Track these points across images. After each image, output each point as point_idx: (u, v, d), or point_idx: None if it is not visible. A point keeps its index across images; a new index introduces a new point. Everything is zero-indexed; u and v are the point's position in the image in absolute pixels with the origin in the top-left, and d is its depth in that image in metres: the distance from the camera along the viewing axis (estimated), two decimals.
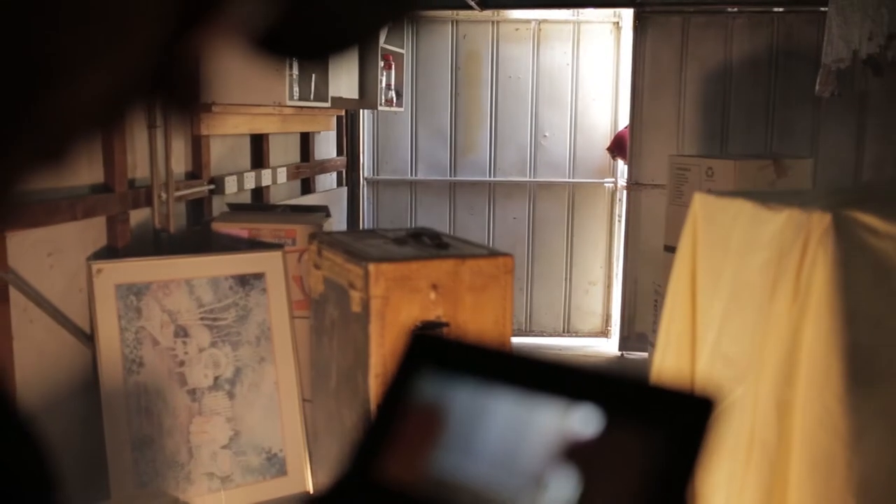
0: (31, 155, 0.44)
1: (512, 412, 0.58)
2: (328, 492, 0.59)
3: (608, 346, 6.03)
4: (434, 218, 5.89)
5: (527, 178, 6.11)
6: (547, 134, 6.08)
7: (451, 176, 6.11)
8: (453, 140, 6.09)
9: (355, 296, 2.46)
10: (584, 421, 0.55)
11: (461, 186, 6.13)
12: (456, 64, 6.03)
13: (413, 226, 5.68)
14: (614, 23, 5.96)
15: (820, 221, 1.89)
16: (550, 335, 6.18)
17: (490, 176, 6.12)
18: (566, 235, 6.16)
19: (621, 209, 6.04)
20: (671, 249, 3.53)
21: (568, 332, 6.24)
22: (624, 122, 5.86)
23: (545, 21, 5.96)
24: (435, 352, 0.64)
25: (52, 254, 2.95)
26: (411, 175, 6.13)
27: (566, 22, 5.99)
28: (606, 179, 6.15)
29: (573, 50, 6.02)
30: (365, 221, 6.09)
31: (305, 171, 5.10)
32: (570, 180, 6.13)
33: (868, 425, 1.84)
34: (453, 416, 0.59)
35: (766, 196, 2.28)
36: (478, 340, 0.62)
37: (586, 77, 6.04)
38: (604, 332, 6.22)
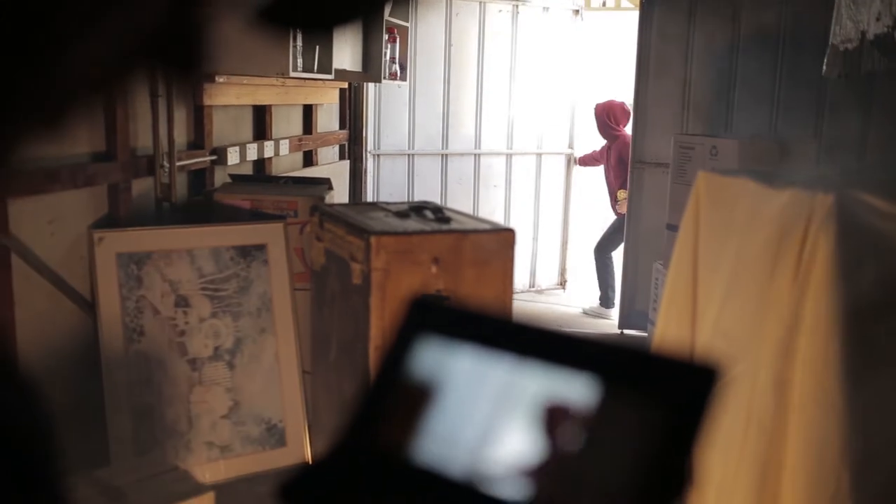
0: (31, 119, 0.44)
1: (511, 380, 0.57)
2: (326, 459, 0.59)
3: (567, 298, 6.89)
4: (428, 189, 6.25)
5: (505, 151, 6.72)
6: (521, 110, 6.70)
7: (443, 149, 6.52)
8: (446, 114, 6.48)
9: (356, 268, 2.46)
10: (584, 390, 0.55)
11: (452, 158, 6.56)
12: (449, 41, 6.41)
13: (411, 198, 5.83)
14: (574, 10, 6.78)
15: (823, 201, 1.89)
16: (518, 291, 6.49)
17: (476, 148, 6.62)
18: (534, 201, 6.89)
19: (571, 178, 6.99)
20: (674, 228, 3.52)
21: (533, 286, 6.94)
22: (583, 100, 6.77)
23: (522, 5, 6.59)
24: (435, 318, 0.63)
25: (53, 221, 2.95)
26: (409, 148, 6.40)
27: (535, 7, 6.67)
28: (566, 150, 6.92)
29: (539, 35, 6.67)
30: (367, 195, 6.11)
31: (308, 143, 5.08)
32: (538, 151, 6.84)
33: (865, 405, 1.85)
34: (451, 383, 0.59)
35: (769, 175, 2.27)
36: (478, 307, 0.62)
37: (551, 59, 6.73)
38: (561, 284, 7.09)
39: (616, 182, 6.14)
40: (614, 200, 6.18)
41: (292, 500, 0.60)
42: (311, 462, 0.62)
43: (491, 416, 0.57)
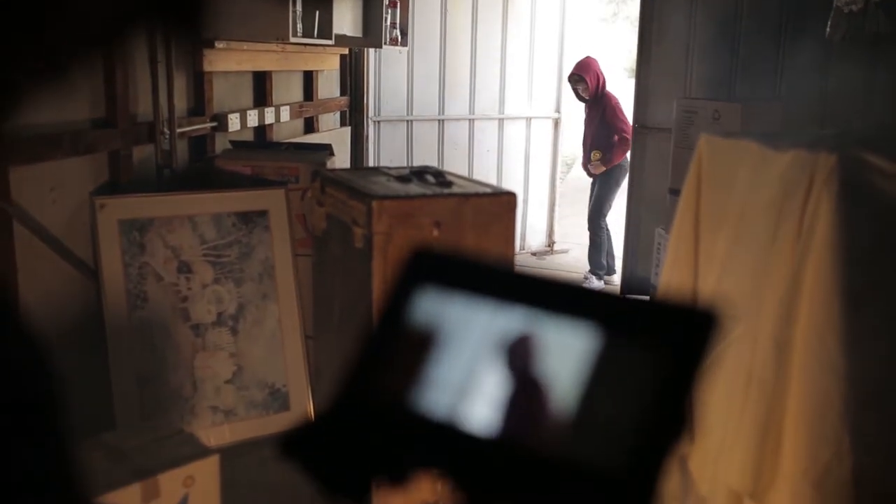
0: (31, 78, 0.44)
1: (512, 329, 0.58)
2: (326, 414, 0.60)
3: (565, 262, 7.02)
4: (426, 154, 6.33)
5: (497, 115, 6.81)
6: (512, 75, 6.79)
7: (440, 114, 6.60)
8: (442, 80, 6.55)
9: (358, 232, 2.46)
10: (584, 336, 0.55)
11: (448, 124, 6.65)
12: (445, 6, 6.48)
13: (410, 163, 5.87)
14: None
15: (825, 162, 1.88)
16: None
17: (471, 114, 6.72)
18: (524, 165, 7.00)
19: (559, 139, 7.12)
20: (676, 193, 3.51)
21: (523, 249, 7.03)
22: (565, 64, 6.81)
23: None
24: (435, 269, 0.63)
25: (54, 188, 2.95)
26: (408, 114, 6.46)
27: None
28: (553, 114, 7.01)
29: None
30: (368, 161, 6.12)
31: (309, 109, 5.06)
32: (528, 116, 6.94)
33: (866, 366, 1.86)
34: (452, 332, 0.59)
35: (772, 137, 2.26)
36: (479, 257, 0.62)
37: (541, 24, 6.84)
38: (549, 246, 7.19)
39: (593, 141, 6.11)
40: (587, 160, 6.17)
41: (293, 456, 0.61)
42: (311, 418, 0.63)
43: (490, 364, 0.57)
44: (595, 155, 6.04)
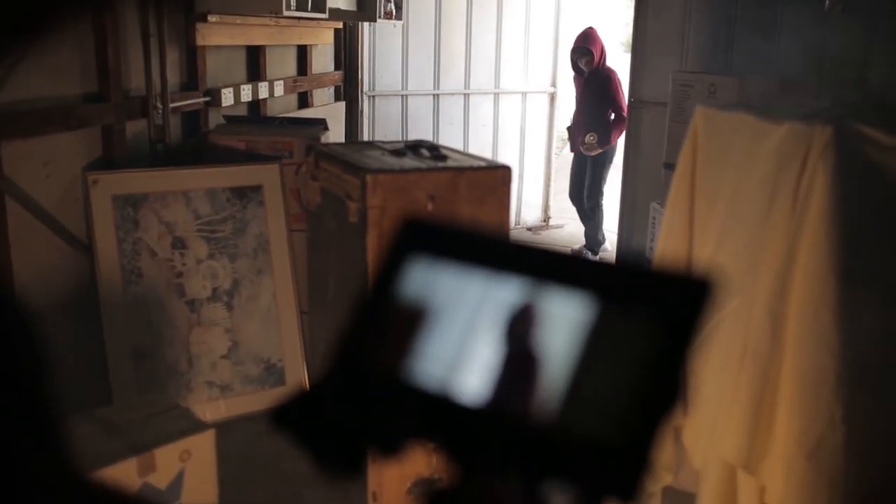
0: (17, 31, 0.43)
1: (506, 298, 0.57)
2: (318, 384, 0.59)
3: (561, 235, 6.97)
4: (421, 129, 6.32)
5: (492, 90, 6.79)
6: (508, 49, 6.75)
7: (434, 89, 6.56)
8: (437, 54, 6.51)
9: (352, 206, 2.45)
10: (579, 305, 0.54)
11: (443, 98, 6.62)
12: None
13: (405, 138, 5.85)
14: None
15: (821, 134, 1.87)
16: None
17: (466, 88, 6.70)
18: (519, 139, 6.98)
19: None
20: (671, 167, 3.50)
21: (518, 224, 7.03)
22: (562, 37, 6.81)
23: None
24: (428, 238, 0.63)
25: (47, 164, 2.93)
26: (402, 89, 6.42)
27: None
28: (548, 89, 6.99)
29: None
30: (363, 136, 6.09)
31: (303, 84, 5.02)
32: (523, 91, 6.90)
33: (860, 340, 1.86)
34: (445, 304, 0.59)
35: (768, 109, 2.25)
36: (471, 226, 0.61)
37: (535, 1, 6.83)
38: (545, 221, 7.18)
39: (589, 120, 5.98)
40: (581, 139, 6.02)
41: (286, 427, 0.60)
42: (304, 389, 0.63)
43: (484, 334, 0.57)
44: (590, 137, 5.94)
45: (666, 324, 0.51)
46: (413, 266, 0.62)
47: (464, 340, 0.58)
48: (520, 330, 0.55)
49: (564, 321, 0.54)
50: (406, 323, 0.60)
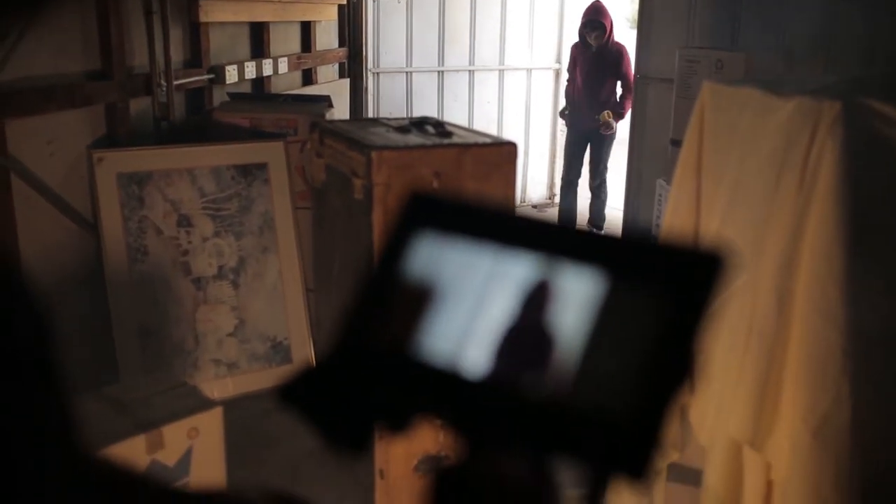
0: (19, 8, 0.42)
1: (515, 273, 0.56)
2: (325, 360, 0.59)
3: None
4: (426, 106, 6.26)
5: (497, 66, 6.75)
6: (512, 25, 6.71)
7: (439, 66, 6.53)
8: (442, 30, 6.47)
9: (357, 183, 2.44)
10: (589, 280, 0.53)
11: (448, 75, 6.59)
12: None
13: (410, 115, 5.81)
14: None
15: (830, 109, 1.85)
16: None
17: (471, 65, 6.66)
18: (524, 116, 6.93)
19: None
20: (677, 144, 3.48)
21: (523, 201, 7.01)
22: (567, 13, 6.77)
23: None
24: (434, 213, 0.62)
25: (51, 142, 2.93)
26: (407, 66, 6.39)
27: None
28: (553, 65, 6.96)
29: None
30: (367, 113, 6.07)
31: (307, 61, 5.00)
32: (528, 67, 6.86)
33: (868, 317, 1.85)
34: (453, 279, 0.58)
35: (776, 84, 2.22)
36: (478, 200, 0.60)
37: None
38: (550, 198, 7.13)
39: (602, 98, 5.87)
40: (588, 116, 5.87)
41: (293, 403, 0.59)
42: (311, 365, 0.62)
43: (491, 308, 0.56)
44: (608, 114, 5.82)
45: (678, 298, 0.50)
46: (420, 241, 0.61)
47: (472, 315, 0.57)
48: (529, 305, 0.55)
49: (575, 296, 0.53)
50: (414, 298, 0.60)
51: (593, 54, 5.84)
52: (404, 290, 0.60)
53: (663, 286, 0.51)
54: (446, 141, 2.55)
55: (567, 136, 6.20)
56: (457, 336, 0.57)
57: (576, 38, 6.05)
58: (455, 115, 6.26)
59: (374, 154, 2.36)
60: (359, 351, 0.60)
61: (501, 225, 0.60)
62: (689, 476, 2.34)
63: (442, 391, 0.56)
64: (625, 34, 7.40)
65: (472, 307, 0.58)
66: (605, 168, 6.14)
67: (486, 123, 6.55)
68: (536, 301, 0.55)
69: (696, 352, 0.49)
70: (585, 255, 0.55)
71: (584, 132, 5.97)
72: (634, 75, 5.51)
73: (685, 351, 0.49)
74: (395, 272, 0.61)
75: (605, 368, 0.51)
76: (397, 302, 0.60)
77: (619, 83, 5.92)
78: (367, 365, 0.60)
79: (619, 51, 5.83)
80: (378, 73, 6.22)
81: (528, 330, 0.55)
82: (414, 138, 2.59)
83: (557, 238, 0.57)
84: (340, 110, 4.97)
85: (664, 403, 0.48)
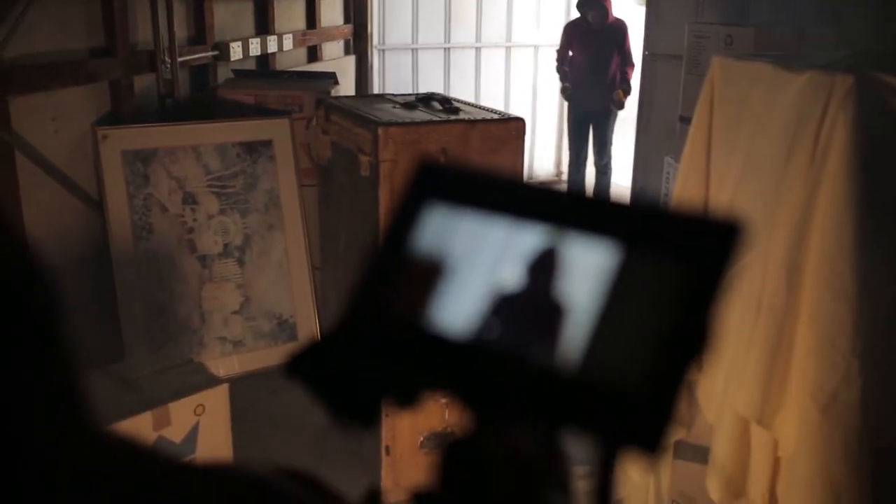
0: None
1: (527, 244, 0.55)
2: (332, 332, 0.57)
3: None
4: (431, 83, 6.16)
5: (504, 43, 6.68)
6: (519, 1, 6.65)
7: (445, 43, 6.49)
8: (448, 7, 6.43)
9: (364, 160, 2.42)
10: (603, 248, 0.52)
11: (454, 52, 6.54)
12: None
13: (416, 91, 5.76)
14: None
15: (842, 83, 1.82)
16: None
17: (477, 41, 6.61)
18: (532, 92, 6.88)
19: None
20: (686, 121, 3.45)
21: (530, 178, 6.82)
22: None
23: None
24: (444, 183, 0.61)
25: (55, 119, 2.91)
26: (413, 43, 6.36)
27: None
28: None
29: None
30: (373, 91, 6.03)
31: (312, 38, 4.96)
32: (535, 43, 6.77)
33: (878, 291, 1.83)
34: (463, 250, 0.57)
35: (788, 58, 2.20)
36: (488, 171, 0.59)
37: None
38: (557, 175, 7.08)
39: (611, 76, 5.75)
40: (592, 93, 5.77)
41: (299, 375, 0.58)
42: (317, 338, 0.61)
43: (503, 280, 0.55)
44: (620, 93, 5.76)
45: (693, 268, 0.49)
46: (429, 212, 0.60)
47: (482, 287, 0.56)
48: (541, 275, 0.53)
49: (587, 265, 0.52)
50: (423, 270, 0.58)
51: (595, 32, 5.73)
52: (413, 261, 0.59)
53: (678, 255, 0.50)
54: (453, 117, 2.53)
55: (570, 117, 6.11)
56: (466, 308, 0.56)
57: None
58: (461, 92, 6.14)
59: (380, 130, 2.35)
60: (367, 324, 0.59)
61: (512, 195, 0.58)
62: (696, 453, 2.33)
63: (450, 364, 0.55)
64: (632, 11, 7.31)
65: (482, 279, 0.57)
66: (611, 146, 6.11)
67: (492, 101, 6.37)
68: (547, 271, 0.53)
69: (711, 323, 0.48)
70: (598, 224, 0.53)
71: (588, 111, 5.91)
72: (644, 52, 5.46)
73: (700, 322, 0.48)
74: (403, 244, 0.60)
75: (618, 339, 0.50)
76: (406, 274, 0.59)
77: (621, 59, 5.86)
78: (374, 338, 0.58)
79: (621, 27, 5.77)
80: (384, 50, 6.19)
81: (539, 301, 0.54)
82: (420, 114, 2.57)
83: (569, 207, 0.55)
84: (346, 87, 4.94)
85: (678, 376, 0.47)
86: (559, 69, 5.98)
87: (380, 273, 0.60)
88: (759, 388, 1.96)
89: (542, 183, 7.07)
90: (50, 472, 0.45)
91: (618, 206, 0.54)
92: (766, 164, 2.02)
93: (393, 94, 3.11)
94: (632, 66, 5.75)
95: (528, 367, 0.51)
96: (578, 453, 0.55)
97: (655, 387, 0.47)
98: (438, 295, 0.56)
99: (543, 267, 0.53)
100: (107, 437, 0.57)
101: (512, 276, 0.54)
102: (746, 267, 2.00)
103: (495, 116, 2.54)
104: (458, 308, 0.55)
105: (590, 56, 5.79)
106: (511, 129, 2.46)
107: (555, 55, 6.14)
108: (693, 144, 2.36)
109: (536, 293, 0.52)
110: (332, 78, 3.90)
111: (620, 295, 0.50)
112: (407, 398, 0.58)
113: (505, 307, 0.53)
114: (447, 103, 2.69)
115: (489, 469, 0.47)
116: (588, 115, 5.92)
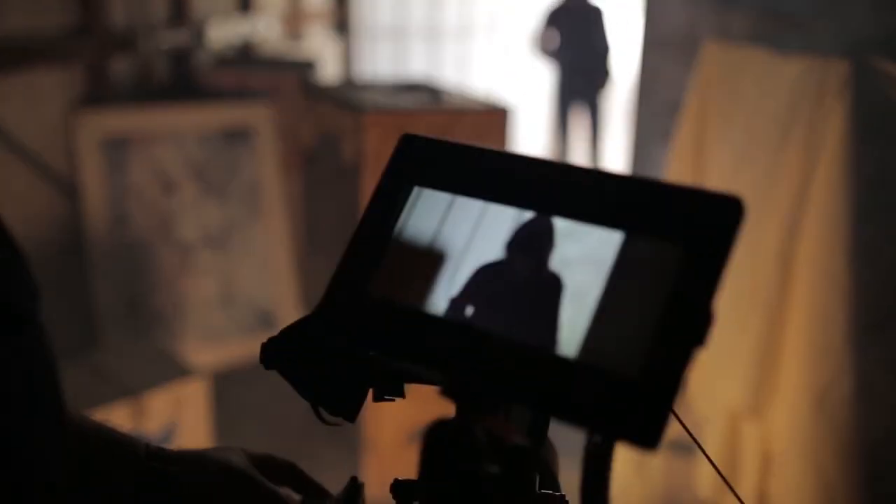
0: None
1: (519, 220, 0.51)
2: (311, 315, 0.55)
3: None
4: (417, 68, 6.19)
5: (492, 28, 6.63)
6: None
7: (433, 28, 6.40)
8: None
9: (348, 147, 2.36)
10: (602, 225, 0.48)
11: (442, 37, 6.44)
12: None
13: (401, 78, 5.70)
14: None
15: (838, 69, 1.79)
16: None
17: (464, 27, 6.52)
18: (520, 79, 6.82)
19: None
20: (680, 106, 3.41)
21: None
22: None
23: None
24: (428, 157, 0.56)
25: (29, 102, 2.83)
26: (399, 27, 6.28)
27: None
28: None
29: None
30: (358, 75, 5.97)
31: (295, 21, 4.88)
32: (523, 29, 6.55)
33: (871, 280, 1.80)
34: (451, 229, 0.52)
35: (780, 41, 2.16)
36: (476, 144, 0.55)
37: None
38: None
39: (587, 57, 5.69)
40: (583, 79, 5.74)
41: (277, 364, 0.56)
42: (297, 322, 0.57)
43: (494, 258, 0.51)
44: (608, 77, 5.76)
45: (695, 248, 0.45)
46: (413, 188, 0.55)
47: (470, 266, 0.51)
48: (533, 254, 0.49)
49: (584, 244, 0.48)
50: (406, 250, 0.55)
51: (579, 17, 5.70)
52: (397, 241, 0.55)
53: (679, 235, 0.46)
54: (438, 105, 2.48)
55: (558, 104, 6.05)
56: (452, 288, 0.52)
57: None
58: (447, 77, 6.15)
59: (364, 117, 2.29)
60: (345, 308, 0.55)
61: (500, 168, 0.54)
62: (686, 447, 2.30)
63: (434, 347, 0.51)
64: None
65: (469, 257, 0.52)
66: (602, 130, 6.10)
67: (479, 87, 6.43)
68: (540, 250, 0.49)
69: (712, 306, 0.44)
70: (594, 199, 0.49)
71: (578, 99, 5.89)
72: (642, 39, 5.40)
73: (702, 305, 0.44)
74: (386, 222, 0.56)
75: (616, 323, 0.46)
76: (388, 254, 0.55)
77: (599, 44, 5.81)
78: (353, 322, 0.55)
79: (598, 8, 5.74)
80: (369, 34, 6.11)
81: (530, 280, 0.49)
82: (406, 101, 2.51)
83: (563, 179, 0.51)
84: (329, 72, 4.87)
85: (679, 364, 0.43)
86: (539, 48, 5.87)
87: (360, 255, 0.56)
88: (752, 379, 1.93)
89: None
90: (29, 453, 0.44)
91: (615, 178, 0.50)
92: (760, 150, 1.99)
93: (377, 81, 3.05)
94: (609, 51, 5.73)
95: (521, 353, 0.47)
96: (573, 443, 0.53)
97: (655, 376, 0.43)
98: (423, 275, 0.52)
99: (535, 244, 0.49)
100: (84, 419, 0.59)
101: (505, 252, 0.50)
102: (738, 256, 1.96)
103: (481, 105, 2.48)
104: (444, 288, 0.51)
105: (580, 42, 5.75)
106: (496, 118, 2.41)
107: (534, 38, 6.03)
108: (686, 131, 2.32)
109: (526, 271, 0.48)
110: (315, 63, 3.82)
111: (619, 276, 0.46)
112: (390, 387, 0.55)
113: (494, 287, 0.49)
114: (432, 91, 2.63)
115: (476, 455, 0.43)
116: (578, 102, 5.90)
